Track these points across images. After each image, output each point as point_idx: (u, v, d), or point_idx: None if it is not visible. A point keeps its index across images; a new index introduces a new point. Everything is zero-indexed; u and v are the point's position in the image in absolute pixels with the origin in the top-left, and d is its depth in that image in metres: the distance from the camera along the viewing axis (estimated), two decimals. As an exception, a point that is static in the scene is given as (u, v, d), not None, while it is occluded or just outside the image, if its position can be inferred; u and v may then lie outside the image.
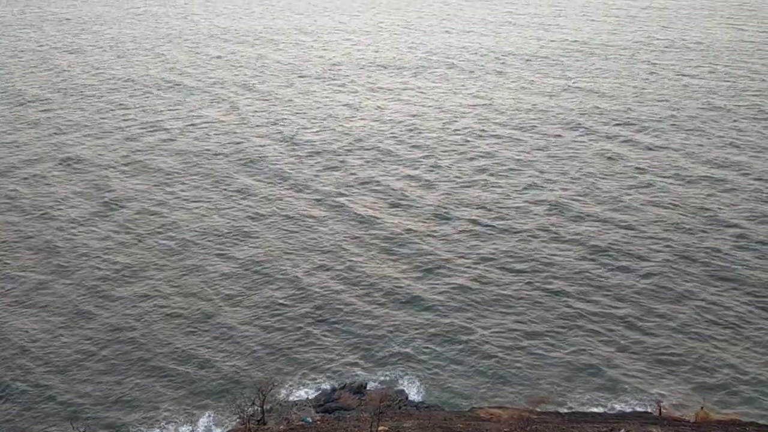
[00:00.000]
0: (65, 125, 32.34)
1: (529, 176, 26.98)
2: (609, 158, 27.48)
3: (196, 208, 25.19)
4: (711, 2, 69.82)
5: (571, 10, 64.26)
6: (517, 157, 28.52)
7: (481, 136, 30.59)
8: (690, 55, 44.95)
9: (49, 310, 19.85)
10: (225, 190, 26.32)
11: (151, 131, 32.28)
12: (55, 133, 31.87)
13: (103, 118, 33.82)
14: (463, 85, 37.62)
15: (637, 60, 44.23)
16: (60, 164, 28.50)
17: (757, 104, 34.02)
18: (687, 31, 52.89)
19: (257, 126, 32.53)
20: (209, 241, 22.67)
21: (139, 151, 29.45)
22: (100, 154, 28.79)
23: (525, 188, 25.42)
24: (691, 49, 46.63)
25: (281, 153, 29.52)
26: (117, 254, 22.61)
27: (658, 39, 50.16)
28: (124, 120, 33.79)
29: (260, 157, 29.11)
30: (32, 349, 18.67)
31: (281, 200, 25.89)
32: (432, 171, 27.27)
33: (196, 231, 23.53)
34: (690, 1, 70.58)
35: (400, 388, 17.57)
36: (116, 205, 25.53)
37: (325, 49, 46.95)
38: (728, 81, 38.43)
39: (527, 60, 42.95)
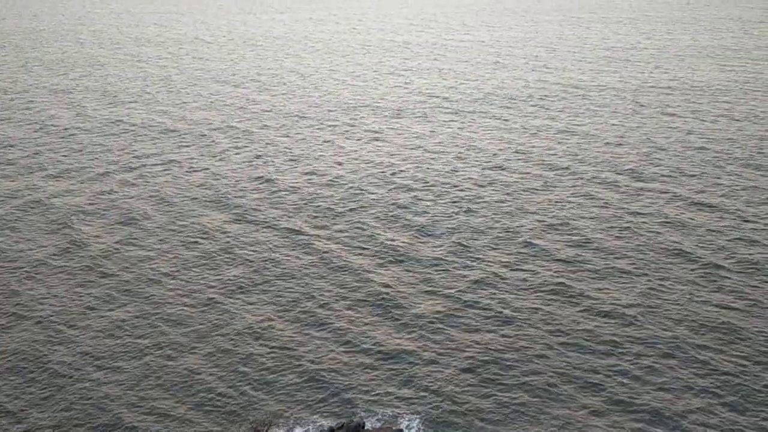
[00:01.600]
0: (37, 165, 31.87)
1: (510, 216, 26.71)
2: (589, 198, 27.18)
3: (167, 249, 24.40)
4: (699, 43, 70.80)
5: (560, 50, 65.20)
6: (498, 198, 28.25)
7: (463, 175, 30.27)
8: (676, 95, 45.47)
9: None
10: (198, 230, 25.87)
11: (126, 171, 32.02)
12: (29, 173, 31.38)
13: (79, 159, 33.45)
14: (447, 126, 37.57)
15: (624, 99, 44.68)
16: (26, 205, 27.80)
17: (741, 146, 34.25)
18: (673, 71, 53.65)
19: (236, 165, 32.14)
20: (179, 278, 21.79)
21: (111, 192, 28.83)
22: (68, 194, 28.11)
23: (504, 231, 25.03)
24: (677, 89, 47.17)
25: (258, 193, 29.00)
26: (80, 294, 21.86)
27: (645, 78, 50.80)
28: (98, 160, 33.23)
29: (236, 197, 28.81)
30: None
31: (255, 241, 24.95)
32: (414, 211, 26.73)
33: (168, 272, 22.82)
34: (678, 42, 71.71)
35: (400, 427, 17.25)
36: (81, 244, 24.59)
37: (311, 91, 47.42)
38: (714, 122, 38.65)
39: (512, 100, 43.34)
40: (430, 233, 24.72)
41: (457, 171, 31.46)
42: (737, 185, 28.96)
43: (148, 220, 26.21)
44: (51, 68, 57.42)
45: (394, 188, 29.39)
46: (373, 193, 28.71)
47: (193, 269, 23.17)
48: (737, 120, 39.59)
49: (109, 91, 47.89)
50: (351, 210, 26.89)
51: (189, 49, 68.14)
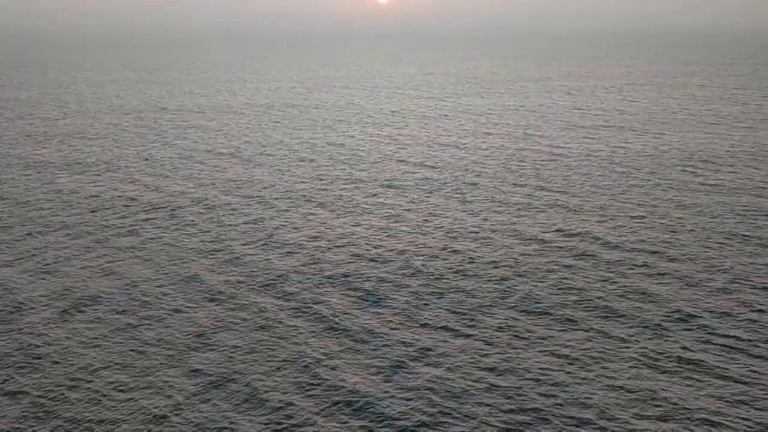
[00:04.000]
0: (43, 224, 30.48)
1: (497, 294, 25.24)
2: (575, 271, 25.90)
3: (166, 308, 23.32)
4: (687, 109, 70.95)
5: (548, 117, 65.01)
6: (483, 271, 26.79)
7: (451, 247, 28.97)
8: (663, 158, 44.82)
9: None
10: (197, 290, 24.26)
11: (124, 235, 30.88)
12: (27, 235, 30.17)
13: (77, 223, 32.18)
14: (432, 198, 36.61)
15: (613, 163, 44.00)
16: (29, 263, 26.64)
17: (730, 208, 33.27)
18: (662, 137, 53.22)
19: (235, 226, 31.00)
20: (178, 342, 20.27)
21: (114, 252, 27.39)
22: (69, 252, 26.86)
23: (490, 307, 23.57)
24: (665, 153, 46.57)
25: (258, 252, 27.64)
26: (79, 355, 20.46)
27: (632, 145, 50.26)
28: (59, 234, 31.83)
29: (235, 257, 27.25)
30: None
31: (249, 303, 23.68)
32: (406, 273, 25.58)
33: (162, 335, 21.53)
34: (667, 107, 71.83)
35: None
36: (81, 306, 23.38)
37: (307, 166, 46.61)
38: (703, 190, 37.83)
39: (500, 171, 42.45)
40: (377, 303, 23.04)
41: (444, 247, 30.04)
42: (727, 257, 27.57)
43: (102, 301, 24.48)
44: (31, 138, 56.85)
45: (368, 262, 27.89)
46: (347, 266, 27.17)
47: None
48: (724, 187, 38.58)
49: (77, 161, 46.94)
50: (320, 285, 25.26)
51: (172, 117, 67.83)
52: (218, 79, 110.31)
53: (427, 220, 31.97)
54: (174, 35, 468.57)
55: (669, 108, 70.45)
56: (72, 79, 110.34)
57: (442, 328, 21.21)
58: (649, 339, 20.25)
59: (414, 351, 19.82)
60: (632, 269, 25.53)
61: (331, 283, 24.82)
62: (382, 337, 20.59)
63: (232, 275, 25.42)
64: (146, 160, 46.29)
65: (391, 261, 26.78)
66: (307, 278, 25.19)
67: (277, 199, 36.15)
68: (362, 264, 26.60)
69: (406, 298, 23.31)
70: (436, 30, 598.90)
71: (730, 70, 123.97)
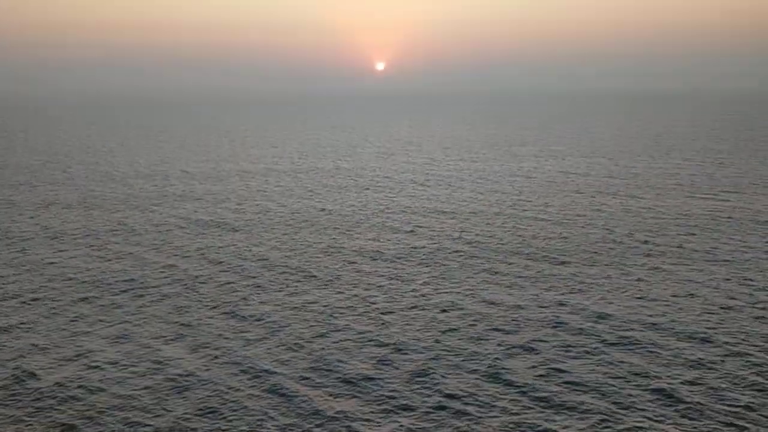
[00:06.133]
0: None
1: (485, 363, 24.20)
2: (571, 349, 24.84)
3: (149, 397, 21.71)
4: (670, 172, 70.94)
5: (538, 180, 64.88)
6: (467, 346, 25.68)
7: (440, 320, 27.69)
8: (647, 222, 44.33)
9: None
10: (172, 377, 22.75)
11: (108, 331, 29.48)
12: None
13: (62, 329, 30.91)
14: (419, 273, 35.65)
15: (593, 226, 43.47)
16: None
17: (720, 276, 32.49)
18: (645, 201, 52.89)
19: (210, 308, 29.73)
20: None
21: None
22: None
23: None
24: (648, 217, 46.11)
25: (233, 333, 26.26)
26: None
27: (617, 206, 49.89)
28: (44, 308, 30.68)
29: (211, 340, 25.75)
30: None
31: (232, 390, 22.06)
32: (396, 355, 24.06)
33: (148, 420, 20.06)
34: (650, 171, 71.82)
35: None
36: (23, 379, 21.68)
37: (283, 232, 46.00)
38: (692, 259, 37.21)
39: (491, 246, 41.79)
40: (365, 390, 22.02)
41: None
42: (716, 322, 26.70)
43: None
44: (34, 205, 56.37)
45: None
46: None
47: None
48: (712, 255, 38.01)
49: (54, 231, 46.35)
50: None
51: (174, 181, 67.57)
52: (209, 144, 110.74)
53: (408, 292, 31.10)
54: (169, 98, 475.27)
55: (653, 172, 70.41)
56: (59, 144, 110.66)
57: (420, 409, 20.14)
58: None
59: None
60: (633, 345, 24.59)
61: (300, 356, 23.80)
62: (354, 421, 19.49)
63: (199, 352, 24.40)
64: (120, 227, 45.64)
65: (369, 340, 25.79)
66: (271, 352, 24.16)
67: (249, 267, 35.35)
68: (340, 339, 25.58)
69: (389, 385, 22.00)
70: (433, 93, 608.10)
71: (715, 135, 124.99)
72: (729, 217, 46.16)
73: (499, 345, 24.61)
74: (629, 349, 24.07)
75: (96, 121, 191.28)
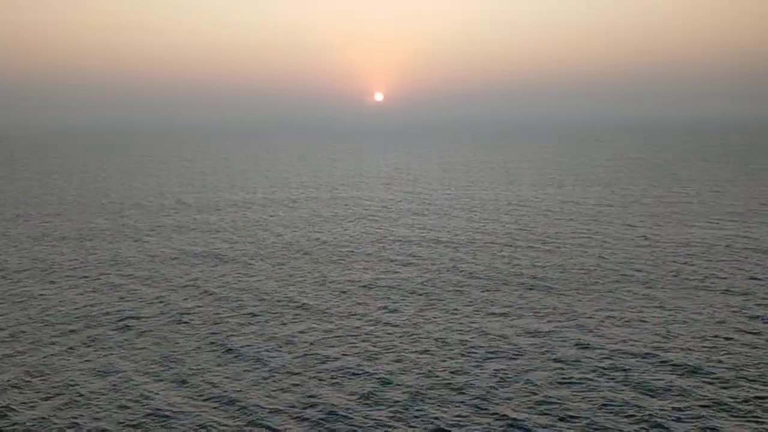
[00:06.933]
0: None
1: (477, 397, 23.63)
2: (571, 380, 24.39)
3: None
4: (666, 200, 70.82)
5: (535, 207, 64.70)
6: (460, 377, 25.13)
7: (432, 350, 27.16)
8: (639, 250, 44.03)
9: None
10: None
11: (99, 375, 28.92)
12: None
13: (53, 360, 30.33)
14: (411, 305, 35.19)
15: (586, 254, 43.19)
16: None
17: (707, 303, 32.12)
18: (641, 229, 52.63)
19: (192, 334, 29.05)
20: None
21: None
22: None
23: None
24: (643, 246, 45.82)
25: (226, 374, 25.53)
26: None
27: (611, 234, 49.63)
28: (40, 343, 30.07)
29: (196, 373, 25.17)
30: None
31: (216, 425, 21.48)
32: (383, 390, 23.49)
33: None
34: (646, 197, 71.69)
35: None
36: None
37: (283, 264, 45.68)
38: (684, 282, 36.87)
39: (484, 278, 41.41)
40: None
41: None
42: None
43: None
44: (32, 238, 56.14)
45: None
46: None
47: None
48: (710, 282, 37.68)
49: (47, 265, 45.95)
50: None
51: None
52: (206, 175, 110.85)
53: (406, 330, 30.69)
54: (162, 130, 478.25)
55: (647, 198, 70.23)
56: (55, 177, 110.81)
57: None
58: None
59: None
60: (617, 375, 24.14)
61: (295, 397, 23.34)
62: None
63: (183, 391, 23.96)
64: (115, 262, 45.35)
65: (358, 372, 25.34)
66: (261, 390, 23.70)
67: (242, 299, 34.98)
68: (329, 369, 25.14)
69: (379, 418, 21.42)
70: (432, 123, 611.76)
71: (713, 159, 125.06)
72: (727, 246, 45.90)
73: (492, 375, 24.20)
74: (623, 379, 23.66)
75: (92, 150, 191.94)
